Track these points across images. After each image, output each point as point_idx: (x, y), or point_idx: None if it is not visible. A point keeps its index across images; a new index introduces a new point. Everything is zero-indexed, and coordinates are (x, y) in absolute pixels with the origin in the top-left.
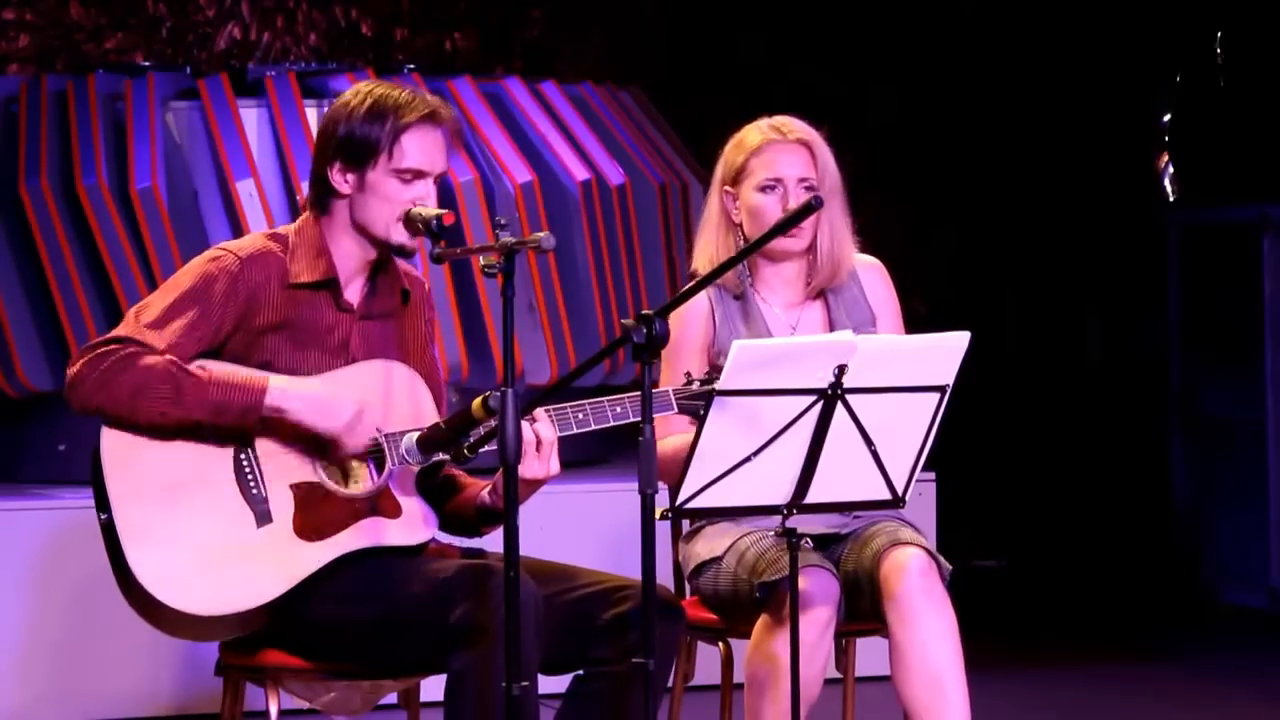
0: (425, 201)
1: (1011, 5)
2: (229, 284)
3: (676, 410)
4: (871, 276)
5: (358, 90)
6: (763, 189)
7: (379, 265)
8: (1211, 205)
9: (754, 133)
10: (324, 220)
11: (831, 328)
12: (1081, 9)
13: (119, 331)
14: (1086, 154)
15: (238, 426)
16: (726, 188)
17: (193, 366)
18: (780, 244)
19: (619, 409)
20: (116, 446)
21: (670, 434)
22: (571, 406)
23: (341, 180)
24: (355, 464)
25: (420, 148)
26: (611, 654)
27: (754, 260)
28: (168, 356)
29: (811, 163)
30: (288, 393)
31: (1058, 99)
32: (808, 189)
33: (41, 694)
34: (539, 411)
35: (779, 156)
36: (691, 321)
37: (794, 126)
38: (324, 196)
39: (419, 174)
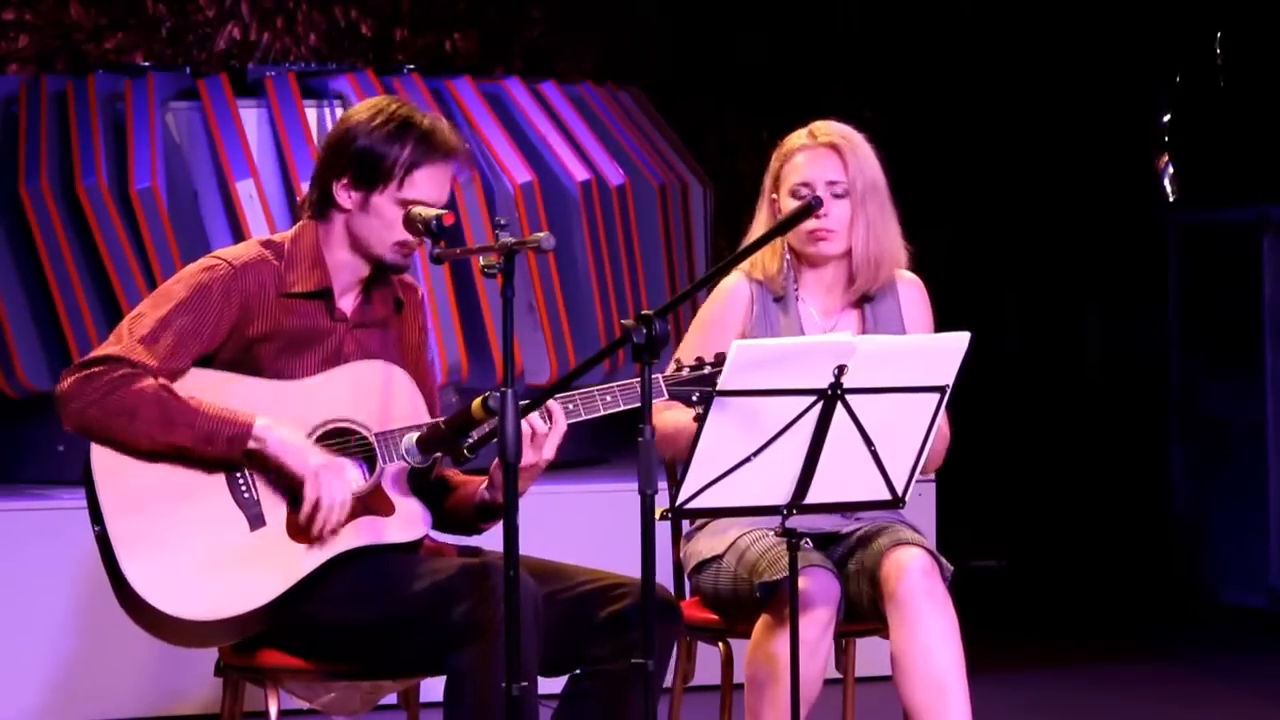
0: None
1: (1011, 5)
2: (223, 293)
3: (667, 397)
4: (910, 293)
5: (379, 108)
6: (794, 194)
7: (373, 276)
8: (1211, 205)
9: (792, 138)
10: (321, 229)
11: None
12: (1081, 9)
13: (111, 350)
14: (1086, 154)
15: (224, 457)
16: (772, 195)
17: (183, 394)
18: (811, 248)
19: (609, 398)
20: (107, 457)
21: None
22: (561, 397)
23: (345, 196)
24: (348, 464)
25: (431, 183)
26: (608, 652)
27: (797, 264)
28: (160, 381)
29: (841, 166)
30: (272, 431)
31: (1057, 99)
32: (836, 195)
33: (41, 695)
34: (551, 403)
35: (808, 161)
36: (730, 304)
37: (826, 130)
38: (325, 207)
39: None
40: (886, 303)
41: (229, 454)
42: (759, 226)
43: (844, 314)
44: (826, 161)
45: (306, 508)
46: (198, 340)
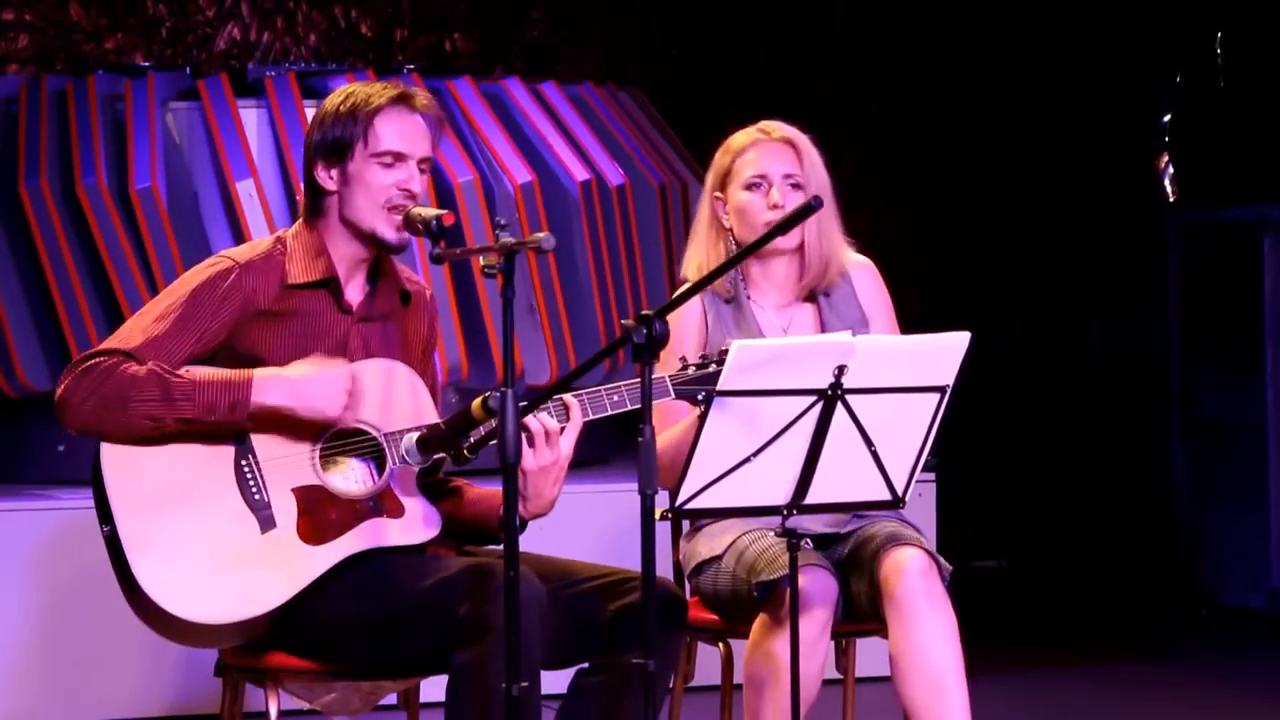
0: (409, 185)
1: (1013, 5)
2: (225, 290)
3: (674, 396)
4: (863, 276)
5: (336, 92)
6: (748, 187)
7: (377, 266)
8: (1212, 205)
9: (740, 136)
10: (318, 223)
11: (823, 328)
12: (1081, 9)
13: (103, 345)
14: (1087, 154)
15: (229, 423)
16: (716, 193)
17: (178, 370)
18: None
19: (616, 398)
20: (116, 457)
21: (665, 427)
22: (570, 396)
23: (327, 177)
24: (356, 464)
25: (394, 130)
26: (616, 647)
27: (744, 262)
28: (150, 363)
29: (797, 161)
30: (272, 378)
31: (1058, 99)
32: (793, 186)
33: (41, 695)
34: (568, 398)
35: (763, 154)
36: (685, 324)
37: (779, 127)
38: (315, 199)
39: (398, 156)
40: (841, 290)
41: (233, 419)
42: (701, 227)
43: (798, 308)
44: (782, 155)
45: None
46: (192, 335)
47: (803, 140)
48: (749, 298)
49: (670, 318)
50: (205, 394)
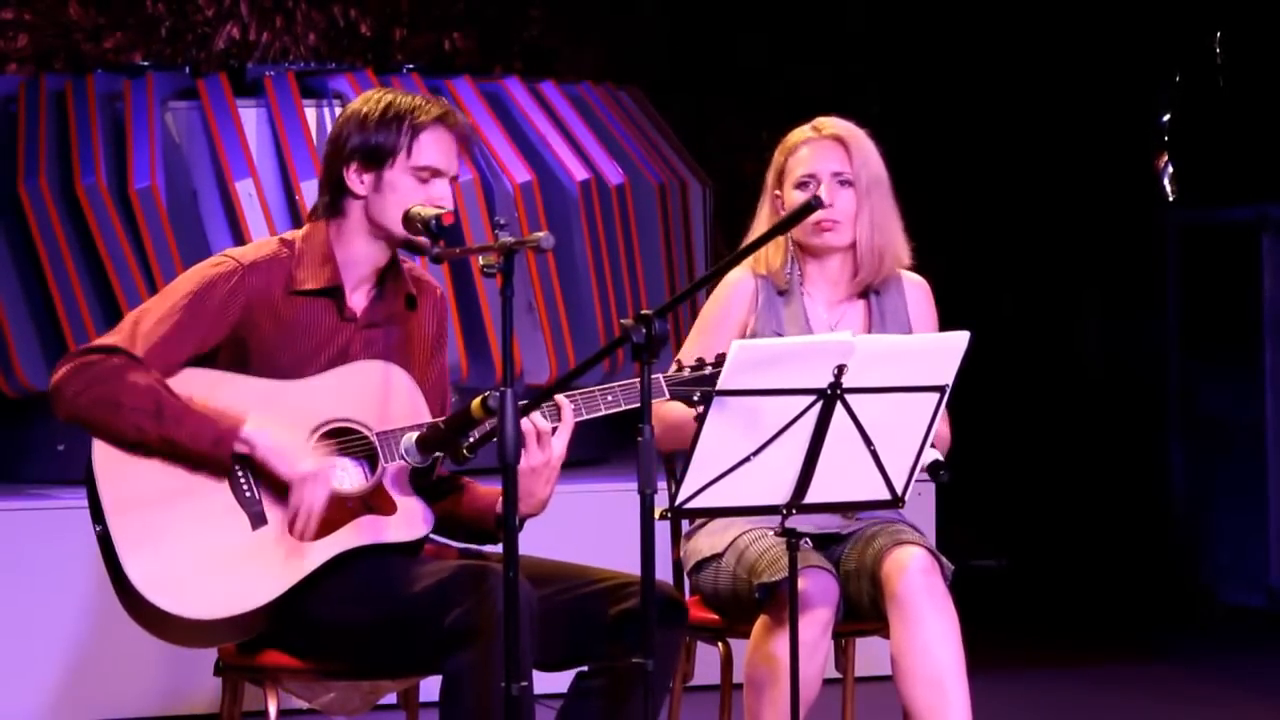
0: (442, 202)
1: (1012, 5)
2: (228, 291)
3: (669, 397)
4: (916, 293)
5: (368, 97)
6: (799, 185)
7: (387, 270)
8: (1210, 205)
9: (794, 134)
10: (335, 224)
11: (871, 329)
12: (1081, 9)
13: (109, 340)
14: (1086, 154)
15: (210, 455)
16: (775, 191)
17: (178, 390)
18: (816, 239)
19: (610, 398)
20: (108, 456)
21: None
22: (564, 396)
23: (358, 181)
24: (349, 464)
25: (437, 147)
26: (617, 650)
27: (801, 257)
28: (154, 375)
29: (846, 157)
30: (261, 433)
31: (1057, 98)
32: (842, 183)
33: (41, 695)
34: (560, 399)
35: (813, 153)
36: (734, 298)
37: (830, 123)
38: (338, 199)
39: (436, 172)
40: (893, 298)
41: (215, 454)
42: (761, 223)
43: (849, 305)
44: (831, 153)
45: (288, 514)
46: (195, 336)
47: (854, 136)
48: (803, 292)
49: (718, 290)
50: (194, 422)
